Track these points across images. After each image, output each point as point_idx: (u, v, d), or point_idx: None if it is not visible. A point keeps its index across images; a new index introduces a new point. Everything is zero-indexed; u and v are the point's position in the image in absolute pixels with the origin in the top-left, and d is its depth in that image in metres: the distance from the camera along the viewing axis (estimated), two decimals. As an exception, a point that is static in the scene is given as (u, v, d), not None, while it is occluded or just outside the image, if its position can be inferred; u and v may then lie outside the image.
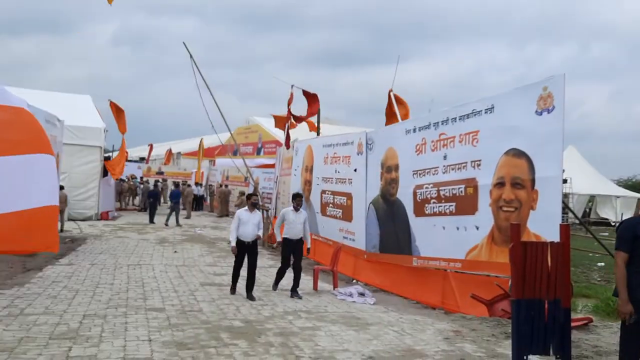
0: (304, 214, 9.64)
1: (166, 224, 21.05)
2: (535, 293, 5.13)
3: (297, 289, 9.24)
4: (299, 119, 18.01)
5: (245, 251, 9.05)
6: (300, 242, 9.53)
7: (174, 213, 21.56)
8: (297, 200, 9.63)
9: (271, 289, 9.54)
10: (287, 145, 18.85)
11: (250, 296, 8.74)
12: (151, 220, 21.86)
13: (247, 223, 8.99)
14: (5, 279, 9.35)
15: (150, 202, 23.17)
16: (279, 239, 9.75)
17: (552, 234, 6.18)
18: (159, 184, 30.82)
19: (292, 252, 9.45)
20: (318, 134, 17.84)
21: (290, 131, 18.83)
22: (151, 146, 46.54)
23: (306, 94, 17.41)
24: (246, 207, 9.23)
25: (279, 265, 9.67)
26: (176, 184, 27.11)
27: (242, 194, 19.53)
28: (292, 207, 9.60)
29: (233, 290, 9.07)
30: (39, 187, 8.95)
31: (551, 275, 5.14)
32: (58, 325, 6.47)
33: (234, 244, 8.99)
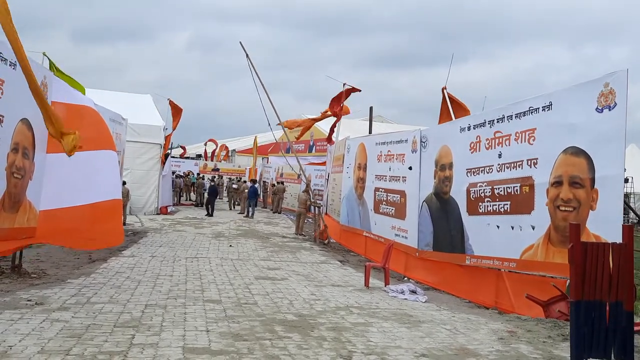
0: None
1: (250, 216, 24.08)
2: (595, 295, 5.01)
3: None
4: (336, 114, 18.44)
5: None
6: None
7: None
8: None
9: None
10: (330, 141, 19.14)
11: None
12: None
13: None
14: (72, 269, 9.89)
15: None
16: None
17: (612, 235, 6.00)
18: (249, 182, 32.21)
19: None
20: (370, 132, 17.86)
21: (341, 129, 19.10)
22: (213, 141, 47.72)
23: (348, 92, 17.73)
24: None
25: (333, 261, 9.68)
26: (253, 181, 29.05)
27: (306, 190, 19.61)
28: None
29: None
30: (103, 182, 9.45)
31: (613, 277, 5.01)
32: (122, 313, 6.80)
33: None
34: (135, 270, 9.99)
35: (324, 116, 19.55)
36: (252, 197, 24.79)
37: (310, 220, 21.79)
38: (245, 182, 31.09)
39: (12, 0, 6.13)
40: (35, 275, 8.97)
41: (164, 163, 22.53)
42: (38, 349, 5.22)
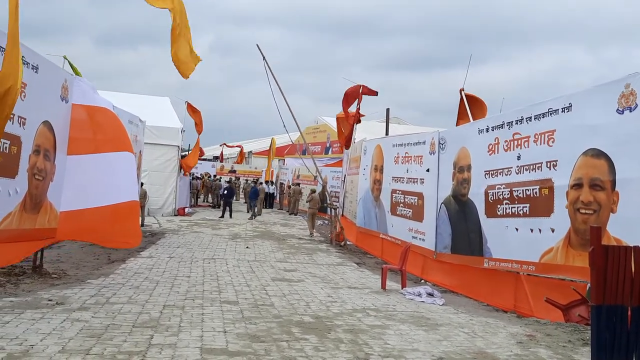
0: None
1: (253, 217, 24.09)
2: (617, 299, 4.93)
3: None
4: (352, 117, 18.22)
5: None
6: None
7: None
8: None
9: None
10: (347, 146, 18.96)
11: None
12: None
13: None
14: (92, 269, 10.01)
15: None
16: None
17: (635, 239, 5.90)
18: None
19: None
20: (387, 133, 17.79)
21: (357, 131, 18.98)
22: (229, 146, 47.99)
23: (364, 93, 17.52)
24: None
25: (349, 263, 9.65)
26: (255, 182, 29.74)
27: (312, 191, 19.93)
28: None
29: None
30: (121, 184, 9.56)
31: (635, 281, 4.92)
32: (140, 314, 6.86)
33: None
34: (153, 271, 10.08)
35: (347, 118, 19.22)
36: (253, 197, 25.18)
37: (326, 221, 21.80)
38: (261, 183, 31.29)
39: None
40: (55, 276, 9.10)
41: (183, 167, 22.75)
42: (59, 349, 5.29)
